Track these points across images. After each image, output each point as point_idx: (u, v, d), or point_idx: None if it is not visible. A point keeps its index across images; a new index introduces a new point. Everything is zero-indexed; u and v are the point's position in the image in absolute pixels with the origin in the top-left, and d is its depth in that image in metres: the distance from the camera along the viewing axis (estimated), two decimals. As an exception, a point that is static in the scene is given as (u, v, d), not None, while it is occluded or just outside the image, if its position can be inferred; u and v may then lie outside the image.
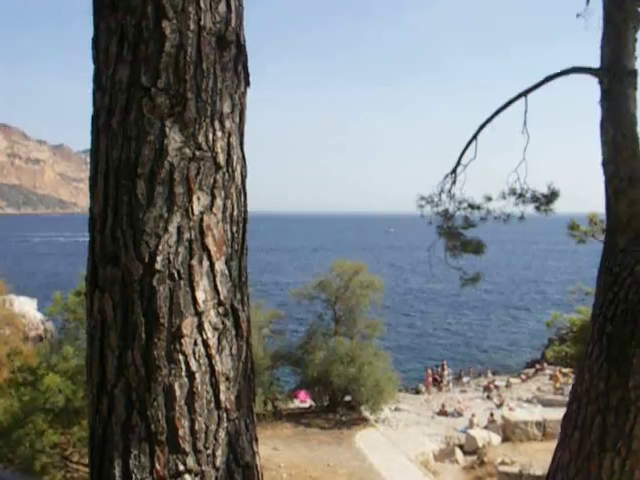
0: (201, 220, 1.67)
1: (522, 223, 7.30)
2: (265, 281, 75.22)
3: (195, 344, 1.65)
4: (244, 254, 1.83)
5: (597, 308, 4.02)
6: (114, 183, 1.67)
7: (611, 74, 4.35)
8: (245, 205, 1.84)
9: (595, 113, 4.40)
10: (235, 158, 1.78)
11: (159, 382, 1.62)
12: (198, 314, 1.66)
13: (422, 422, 25.73)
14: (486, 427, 24.40)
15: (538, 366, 35.72)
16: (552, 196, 6.65)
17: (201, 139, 1.68)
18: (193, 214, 1.66)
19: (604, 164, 4.35)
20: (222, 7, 1.72)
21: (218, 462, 1.68)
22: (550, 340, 36.06)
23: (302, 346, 26.00)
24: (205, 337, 1.67)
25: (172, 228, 1.64)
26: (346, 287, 26.36)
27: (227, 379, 1.71)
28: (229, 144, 1.75)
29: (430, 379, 33.45)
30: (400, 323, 55.40)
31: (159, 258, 1.63)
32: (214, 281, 1.69)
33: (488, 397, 30.15)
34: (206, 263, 1.68)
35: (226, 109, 1.74)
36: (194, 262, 1.66)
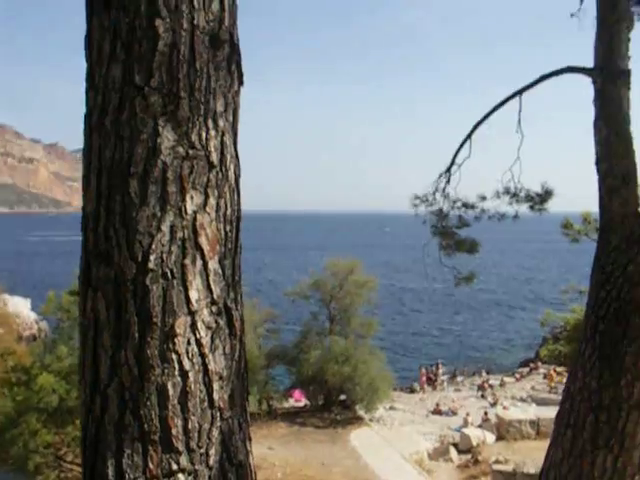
0: (194, 219, 1.67)
1: (516, 222, 7.31)
2: (260, 280, 75.19)
3: (188, 343, 1.65)
4: (238, 253, 1.83)
5: (590, 307, 4.04)
6: (107, 182, 1.66)
7: (604, 74, 4.37)
8: (239, 204, 1.84)
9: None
10: (228, 157, 1.78)
11: (152, 381, 1.62)
12: (191, 313, 1.66)
13: (416, 421, 25.78)
14: (480, 426, 24.46)
15: (532, 365, 35.83)
16: (546, 195, 6.67)
17: (194, 138, 1.68)
18: (186, 213, 1.66)
19: (597, 163, 4.37)
20: (215, 6, 1.72)
21: (211, 461, 1.68)
22: (544, 339, 36.19)
23: (297, 345, 25.99)
24: (198, 336, 1.67)
25: (165, 227, 1.64)
26: (341, 286, 26.36)
27: (220, 378, 1.71)
28: (222, 143, 1.75)
29: (424, 378, 33.52)
30: (395, 322, 55.49)
31: (152, 257, 1.62)
32: (207, 280, 1.69)
33: (482, 396, 30.23)
34: (199, 262, 1.68)
35: (219, 108, 1.74)
36: (187, 261, 1.65)
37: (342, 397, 25.32)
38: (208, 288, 1.69)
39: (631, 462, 3.63)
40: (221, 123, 1.75)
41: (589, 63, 4.50)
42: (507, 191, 6.77)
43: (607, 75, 4.34)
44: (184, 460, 1.64)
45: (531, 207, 6.75)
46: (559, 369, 29.87)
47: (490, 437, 23.34)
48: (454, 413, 26.74)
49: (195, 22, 1.67)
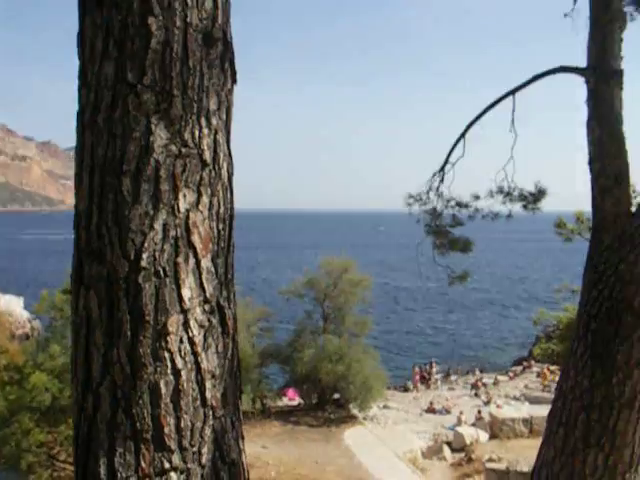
0: (187, 217, 1.67)
1: (510, 221, 7.33)
2: (254, 279, 75.13)
3: (181, 342, 1.65)
4: (230, 251, 1.83)
5: (582, 305, 4.06)
6: (99, 180, 1.66)
7: (597, 74, 4.39)
8: (232, 202, 1.83)
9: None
10: (222, 155, 1.78)
11: (145, 380, 1.61)
12: (184, 312, 1.65)
13: (410, 419, 25.81)
14: (474, 424, 24.53)
15: (525, 364, 35.94)
16: (539, 194, 6.70)
17: (187, 136, 1.68)
18: (179, 211, 1.66)
19: (590, 163, 4.39)
20: (208, 4, 1.71)
21: (204, 460, 1.68)
22: (537, 338, 36.33)
23: (291, 344, 25.99)
24: (191, 335, 1.66)
25: (158, 225, 1.63)
26: (335, 285, 26.37)
27: (213, 377, 1.71)
28: (215, 141, 1.75)
29: (418, 377, 33.56)
30: (389, 321, 55.57)
31: (145, 255, 1.62)
32: (200, 278, 1.69)
33: (476, 394, 30.31)
34: (192, 261, 1.67)
35: (212, 106, 1.74)
36: (180, 259, 1.65)
37: (336, 396, 25.35)
38: (201, 286, 1.69)
39: (622, 460, 3.66)
40: (214, 121, 1.74)
41: (582, 63, 4.52)
42: (501, 190, 6.79)
43: (600, 75, 4.36)
44: (176, 458, 1.63)
45: (524, 206, 6.77)
46: (552, 368, 30.00)
47: (483, 435, 23.42)
48: (448, 412, 26.79)
49: (188, 20, 1.66)
